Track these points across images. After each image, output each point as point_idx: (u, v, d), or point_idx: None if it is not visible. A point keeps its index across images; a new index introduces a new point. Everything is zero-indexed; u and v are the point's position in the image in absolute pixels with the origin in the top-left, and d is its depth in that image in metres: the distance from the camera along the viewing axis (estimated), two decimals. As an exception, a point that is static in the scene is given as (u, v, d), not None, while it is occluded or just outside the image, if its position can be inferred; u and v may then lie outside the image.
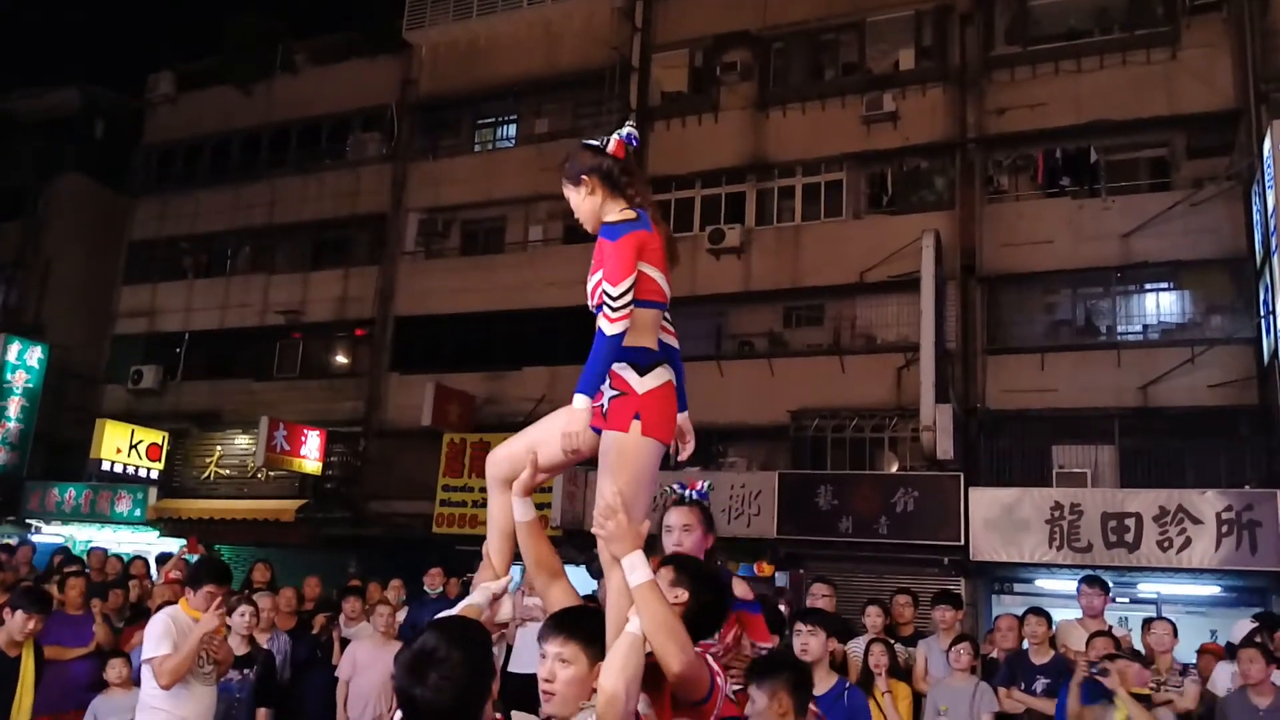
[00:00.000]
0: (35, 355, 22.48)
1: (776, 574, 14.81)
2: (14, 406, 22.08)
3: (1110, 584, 7.33)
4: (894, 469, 15.27)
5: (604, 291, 2.70)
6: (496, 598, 2.98)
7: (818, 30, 17.41)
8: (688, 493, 3.51)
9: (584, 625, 2.57)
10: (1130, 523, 12.69)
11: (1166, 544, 12.47)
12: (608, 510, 2.61)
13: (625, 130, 2.99)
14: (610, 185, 2.88)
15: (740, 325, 17.21)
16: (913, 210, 16.14)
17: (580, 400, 2.70)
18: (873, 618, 7.04)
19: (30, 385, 22.36)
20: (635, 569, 2.53)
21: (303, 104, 22.07)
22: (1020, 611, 7.25)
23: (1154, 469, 13.84)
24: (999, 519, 13.39)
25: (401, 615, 8.60)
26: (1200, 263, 14.42)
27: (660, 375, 2.78)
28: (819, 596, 7.48)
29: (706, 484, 3.58)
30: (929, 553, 13.76)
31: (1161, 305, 15.11)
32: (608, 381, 2.75)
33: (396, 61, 21.32)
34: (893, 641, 6.70)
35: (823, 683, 4.86)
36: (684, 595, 2.68)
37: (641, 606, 2.47)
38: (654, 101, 18.16)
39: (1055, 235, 14.96)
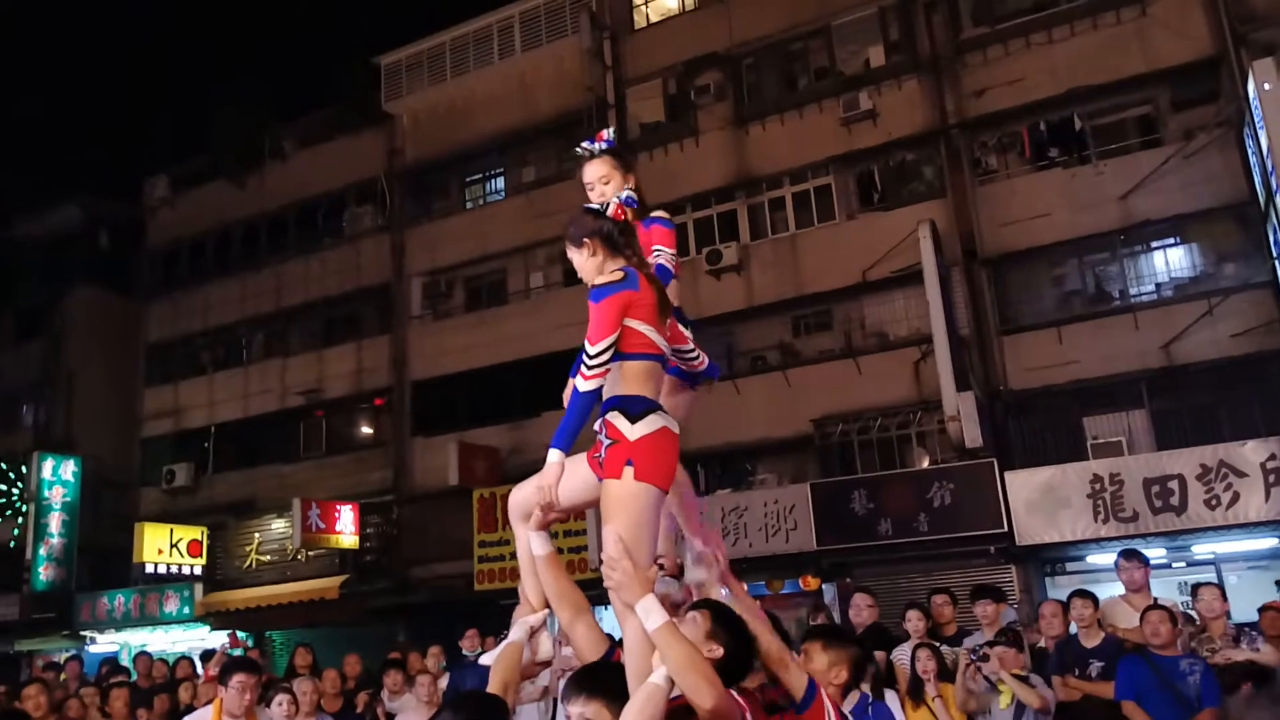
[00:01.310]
0: (69, 469, 22.67)
1: (823, 586, 14.52)
2: (55, 522, 22.23)
3: (1146, 555, 6.98)
4: (925, 464, 14.95)
5: (584, 350, 2.80)
6: (534, 631, 3.03)
7: (785, 41, 17.36)
8: (595, 145, 3.46)
9: (605, 682, 2.55)
10: (1174, 485, 12.35)
11: (1214, 502, 12.10)
12: (613, 559, 2.61)
13: (624, 194, 3.14)
14: (610, 246, 2.99)
15: (749, 341, 17.00)
16: (905, 203, 15.95)
17: (553, 454, 2.82)
18: (913, 621, 6.80)
19: (68, 499, 22.53)
20: (650, 614, 2.51)
21: (295, 188, 22.26)
22: (1067, 595, 6.89)
23: (1189, 428, 13.45)
24: (1039, 500, 13.09)
25: (444, 682, 8.40)
26: (1203, 213, 14.09)
27: (653, 422, 2.79)
28: (862, 608, 7.35)
29: (610, 130, 3.57)
30: (973, 544, 13.45)
31: (1171, 261, 14.76)
32: (603, 431, 2.81)
33: (380, 133, 21.50)
34: (938, 644, 6.42)
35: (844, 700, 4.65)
36: (719, 651, 2.59)
37: (664, 649, 2.44)
38: (633, 134, 18.14)
39: (1052, 207, 14.71)
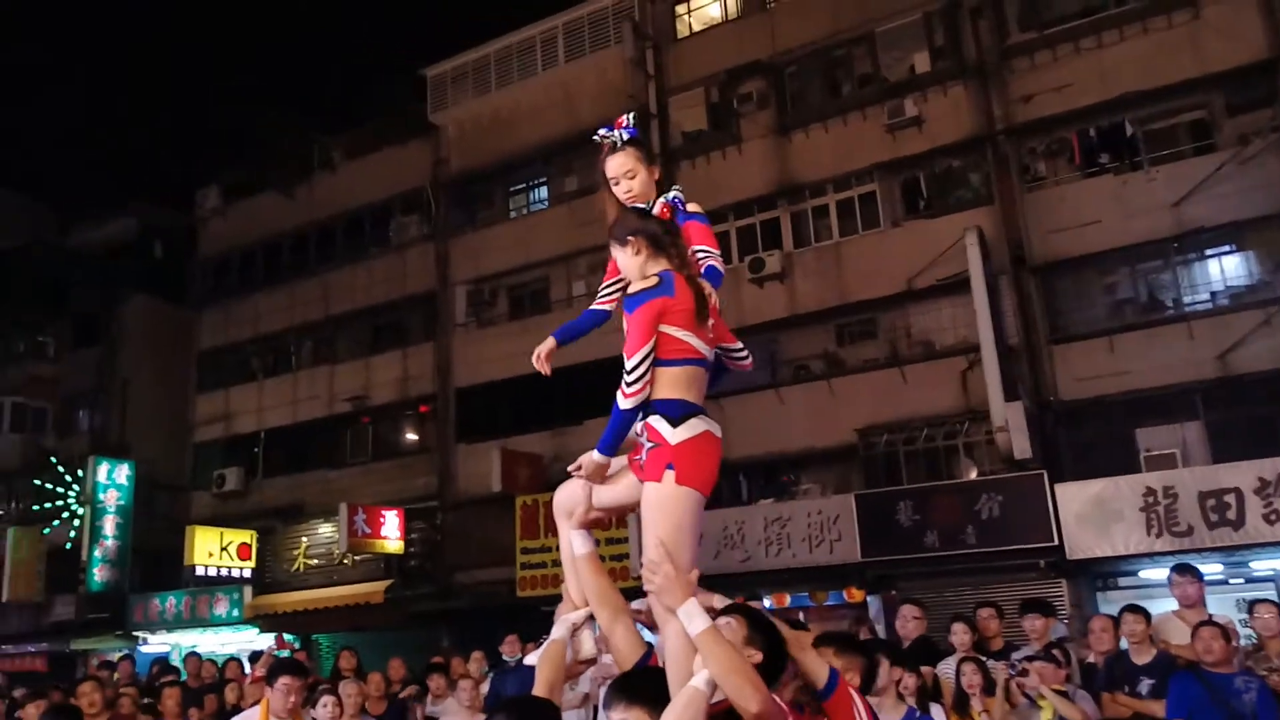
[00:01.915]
0: (123, 473, 23.19)
1: (868, 598, 14.36)
2: (110, 524, 22.75)
3: (1201, 571, 6.78)
4: (973, 475, 14.73)
5: (624, 364, 2.80)
6: (576, 628, 3.04)
7: (829, 48, 17.27)
8: (615, 133, 3.27)
9: (647, 688, 2.53)
10: (1230, 499, 12.00)
11: (1273, 517, 11.76)
12: (654, 563, 2.62)
13: (671, 194, 3.14)
14: (655, 246, 2.96)
15: (793, 350, 16.92)
16: (951, 210, 15.78)
17: (596, 455, 2.91)
18: (959, 635, 6.69)
19: (122, 503, 23.05)
20: (692, 618, 2.51)
21: (343, 198, 22.62)
22: (1118, 610, 6.71)
23: (1246, 439, 13.07)
24: (1090, 513, 12.81)
25: (485, 687, 8.45)
26: (1260, 220, 13.76)
27: (695, 426, 2.78)
28: (909, 619, 7.27)
29: (630, 116, 3.39)
30: (1022, 557, 13.19)
31: (1226, 269, 14.42)
32: (644, 434, 2.82)
33: (426, 144, 21.77)
34: (984, 659, 6.31)
35: (891, 713, 4.63)
36: (758, 657, 2.59)
37: (706, 653, 2.43)
38: (675, 143, 18.17)
39: (1102, 214, 14.45)
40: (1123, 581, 13.41)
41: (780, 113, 17.41)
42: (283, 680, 5.18)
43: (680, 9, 19.23)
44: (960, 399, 14.94)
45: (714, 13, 19.09)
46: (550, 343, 3.29)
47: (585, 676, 6.70)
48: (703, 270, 3.13)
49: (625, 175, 3.29)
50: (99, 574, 22.36)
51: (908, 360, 15.60)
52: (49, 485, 24.20)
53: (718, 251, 3.24)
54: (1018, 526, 13.11)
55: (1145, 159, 14.69)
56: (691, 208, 3.29)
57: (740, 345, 3.22)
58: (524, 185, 21.19)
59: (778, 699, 2.55)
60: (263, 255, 24.01)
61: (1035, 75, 15.36)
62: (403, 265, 21.49)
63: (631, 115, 3.43)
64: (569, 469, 3.00)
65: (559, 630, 3.06)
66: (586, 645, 3.09)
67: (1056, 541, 12.84)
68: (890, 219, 16.44)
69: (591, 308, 3.36)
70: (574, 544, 3.03)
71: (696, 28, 19.06)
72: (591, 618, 3.06)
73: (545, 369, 3.24)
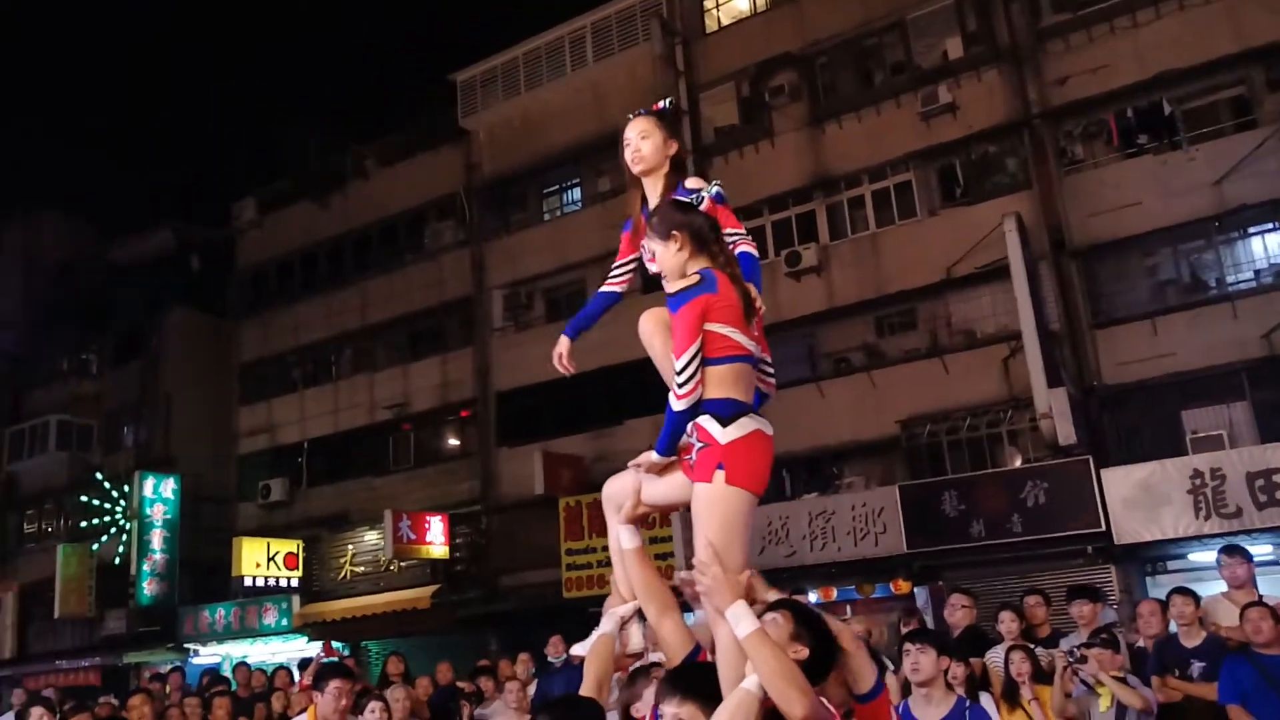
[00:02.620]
0: (169, 487, 23.77)
1: (915, 590, 14.48)
2: (157, 539, 23.32)
3: (1251, 552, 6.88)
4: (1017, 463, 14.79)
5: (673, 366, 2.81)
6: (625, 621, 3.07)
7: (860, 37, 17.38)
8: (644, 111, 3.38)
9: (701, 684, 2.56)
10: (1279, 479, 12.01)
11: (1325, 496, 11.74)
12: (703, 564, 2.63)
13: (714, 189, 3.09)
14: (698, 242, 2.94)
15: (832, 343, 17.06)
16: (989, 197, 15.83)
17: (655, 456, 2.94)
18: (1007, 623, 6.78)
19: (169, 516, 23.62)
20: (740, 620, 2.52)
21: (377, 206, 23.04)
22: (1166, 594, 6.79)
23: (1295, 418, 13.08)
24: (1138, 497, 12.85)
25: (532, 689, 8.67)
26: (1304, 196, 13.68)
27: (745, 425, 2.79)
28: (958, 608, 7.26)
29: (667, 101, 3.49)
30: (1070, 544, 13.26)
31: (1270, 247, 14.37)
32: (694, 434, 2.81)
33: (458, 149, 22.12)
34: (1032, 646, 6.41)
35: (940, 704, 4.73)
36: (805, 652, 2.58)
37: (754, 656, 2.45)
38: (708, 139, 18.34)
39: (1142, 195, 14.45)
40: (1172, 565, 13.43)
41: (812, 104, 17.54)
42: (333, 684, 5.11)
43: (709, 3, 19.39)
44: (1003, 387, 15.01)
45: (742, 6, 19.25)
46: (565, 342, 3.34)
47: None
48: (739, 257, 3.10)
49: (639, 136, 3.29)
50: (148, 588, 22.92)
51: (948, 349, 15.69)
52: (96, 501, 24.81)
53: (745, 232, 3.20)
54: (1064, 513, 13.16)
55: (1185, 138, 14.67)
56: (694, 186, 3.20)
57: (770, 361, 3.16)
58: (557, 187, 21.47)
59: (825, 701, 2.56)
60: (300, 265, 24.51)
61: (1070, 57, 15.37)
62: (439, 271, 21.87)
63: (668, 101, 3.48)
64: (629, 464, 3.03)
65: (607, 624, 3.09)
66: (635, 638, 3.11)
67: (1104, 527, 12.87)
68: (927, 208, 16.52)
69: (602, 290, 3.41)
70: (621, 538, 3.05)
71: (725, 22, 19.22)
72: (640, 612, 3.08)
73: (569, 368, 3.29)
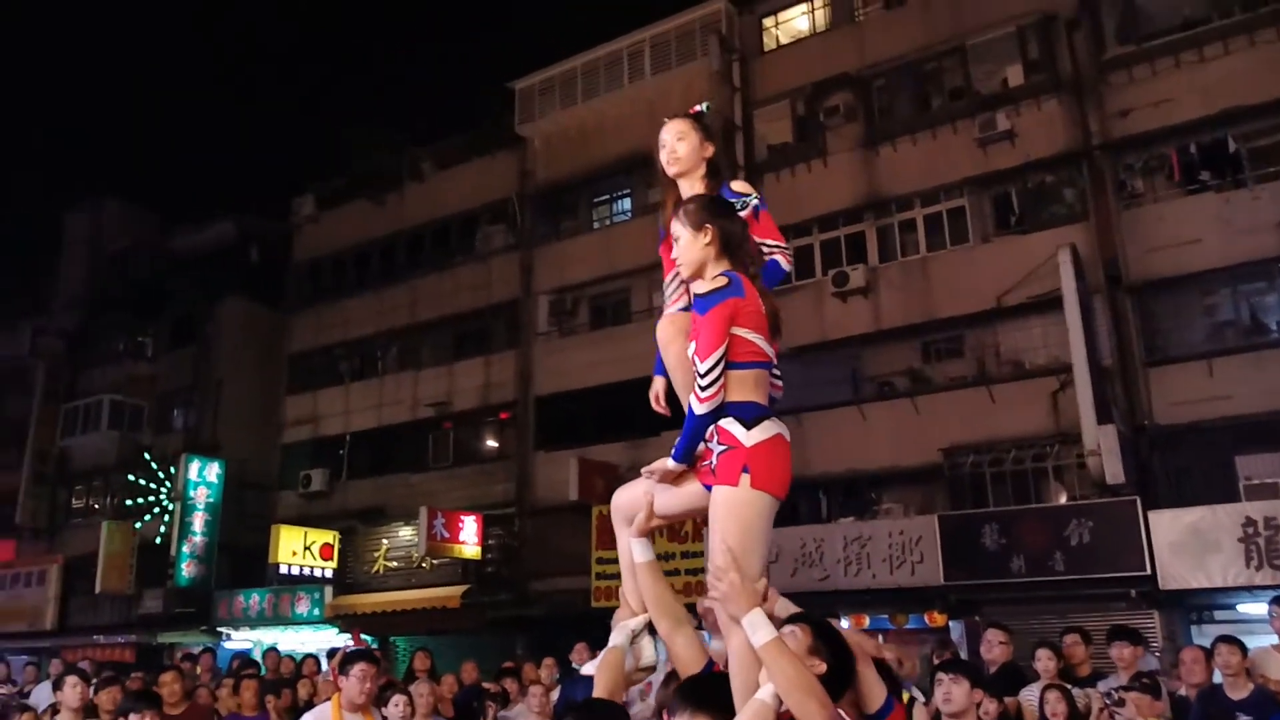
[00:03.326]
0: (214, 471, 24.04)
1: (950, 623, 14.11)
2: (199, 521, 23.59)
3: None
4: (1062, 500, 14.43)
5: (695, 369, 2.76)
6: (635, 635, 3.01)
7: (919, 61, 17.16)
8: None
9: (713, 695, 2.50)
10: (1337, 533, 11.51)
11: (1382, 552, 11.22)
12: (720, 569, 2.57)
13: (755, 200, 3.09)
14: (725, 245, 2.88)
15: (877, 366, 16.77)
16: (1044, 227, 15.50)
17: (671, 462, 2.87)
18: (1044, 661, 6.52)
19: (211, 500, 23.89)
20: (757, 628, 2.46)
21: (432, 207, 23.20)
22: (1209, 642, 6.57)
23: (1356, 471, 12.53)
24: (1186, 542, 12.46)
25: (556, 694, 8.54)
26: (1370, 240, 13.16)
27: (768, 429, 2.74)
28: (995, 644, 7.05)
29: (705, 104, 3.42)
30: (1113, 586, 12.88)
31: (1335, 292, 13.84)
32: (715, 437, 2.76)
33: (513, 155, 22.21)
34: (1069, 686, 6.13)
35: None
36: (822, 667, 2.52)
37: (771, 666, 2.39)
38: (760, 156, 18.19)
39: (1203, 233, 14.04)
40: (1219, 615, 13.01)
41: (867, 125, 17.32)
42: (358, 667, 5.09)
43: (768, 22, 19.31)
44: (1050, 421, 14.62)
45: (802, 26, 19.10)
46: (659, 382, 3.26)
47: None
48: (767, 264, 3.06)
49: (675, 137, 3.24)
50: (187, 569, 23.19)
51: (996, 379, 15.34)
52: (143, 481, 25.24)
53: (785, 245, 3.14)
54: (1108, 554, 12.83)
55: (1249, 176, 14.23)
56: (740, 189, 3.19)
57: (778, 365, 3.08)
58: (607, 197, 21.42)
59: (843, 713, 2.52)
60: (353, 262, 24.74)
61: (1133, 89, 15.02)
62: (487, 274, 21.90)
63: (706, 105, 3.41)
64: (642, 471, 2.96)
65: (617, 637, 3.02)
66: (647, 652, 3.05)
67: (1149, 570, 12.54)
68: (980, 234, 16.21)
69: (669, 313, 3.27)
70: (634, 552, 2.99)
71: (784, 41, 19.12)
72: (651, 626, 3.02)
73: (664, 409, 3.24)
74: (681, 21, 19.89)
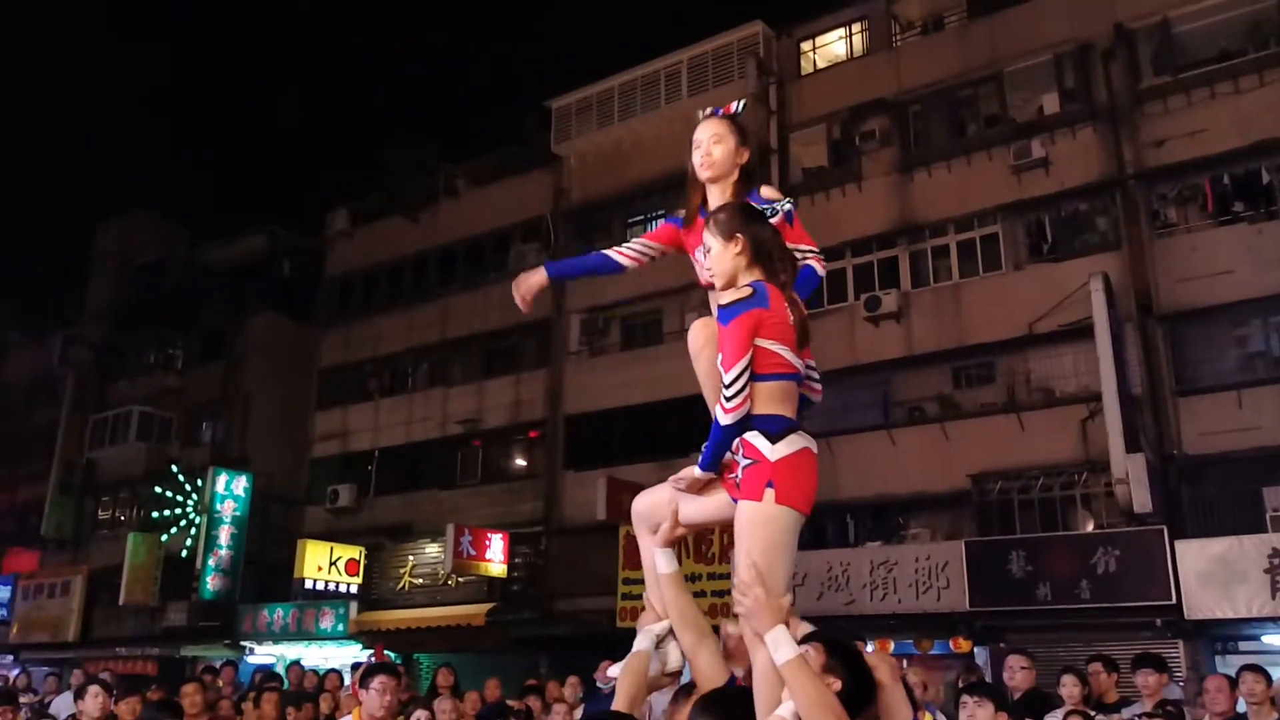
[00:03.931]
0: (241, 484, 24.95)
1: (975, 649, 14.64)
2: (225, 534, 24.47)
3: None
4: (1090, 528, 14.94)
5: (721, 379, 2.79)
6: (660, 639, 3.07)
7: (955, 88, 17.92)
8: (717, 110, 3.39)
9: (736, 709, 2.58)
10: (1364, 566, 12.00)
11: None
12: (744, 584, 2.62)
13: (787, 205, 3.15)
14: (756, 253, 2.91)
15: (908, 391, 17.42)
16: (1077, 255, 16.14)
17: (698, 473, 2.94)
18: (1069, 688, 6.63)
19: (238, 513, 24.77)
20: (780, 645, 2.52)
21: (465, 224, 24.23)
22: (1234, 671, 6.82)
23: (1385, 504, 13.02)
24: (1212, 572, 12.91)
25: (579, 713, 8.94)
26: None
27: (794, 442, 2.78)
28: (1016, 670, 7.21)
29: (739, 103, 3.44)
30: (1138, 615, 13.36)
31: (1367, 326, 14.36)
32: (740, 450, 2.80)
33: (548, 173, 23.18)
34: (1093, 714, 6.29)
35: None
36: (838, 684, 2.56)
37: (792, 684, 2.45)
38: (795, 179, 18.97)
39: (1235, 264, 14.62)
40: (1244, 646, 13.45)
41: (903, 151, 18.09)
42: (378, 679, 5.18)
43: (805, 46, 20.16)
44: (1079, 449, 15.18)
45: (839, 50, 19.96)
46: (540, 275, 3.39)
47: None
48: (801, 270, 3.11)
49: (711, 140, 3.26)
50: (211, 583, 24.01)
51: (1026, 406, 15.94)
52: (170, 493, 26.03)
53: (817, 249, 3.21)
54: (1134, 583, 13.27)
55: (1283, 208, 14.80)
56: (770, 196, 3.24)
57: (815, 364, 3.14)
58: (641, 217, 22.21)
59: None
60: (385, 278, 25.79)
61: (1168, 120, 15.67)
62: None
63: (741, 103, 3.41)
64: (669, 481, 3.01)
65: (642, 641, 3.06)
66: (673, 656, 3.07)
67: (1175, 600, 12.96)
68: (1012, 261, 16.86)
69: (607, 251, 3.43)
70: (657, 563, 3.06)
71: (821, 65, 19.97)
72: (674, 631, 3.08)
73: (528, 307, 3.43)
74: (719, 43, 20.77)
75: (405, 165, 25.92)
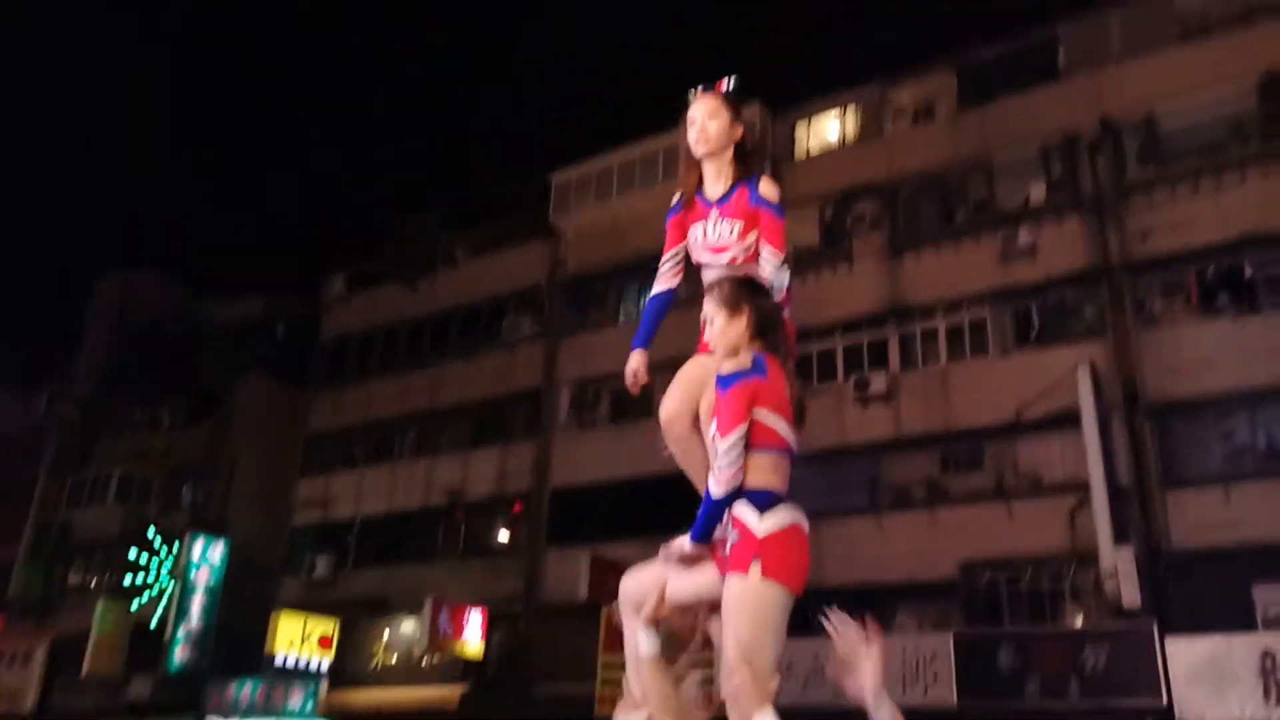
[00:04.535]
0: (218, 551, 24.60)
1: (961, 747, 14.40)
2: (197, 603, 24.08)
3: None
4: (1079, 622, 14.90)
5: (715, 448, 2.82)
6: None
7: (944, 174, 18.52)
8: (709, 88, 3.39)
9: None
10: (1358, 669, 11.90)
11: (1406, 689, 11.60)
12: (730, 665, 2.58)
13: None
14: (759, 327, 2.96)
15: (895, 474, 17.53)
16: (1064, 342, 16.48)
17: (688, 546, 2.93)
18: None
19: (212, 583, 24.41)
20: None
21: (462, 293, 24.73)
22: None
23: (1381, 605, 12.98)
24: (1203, 671, 12.81)
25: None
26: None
27: (783, 516, 2.77)
28: None
29: (732, 79, 3.42)
30: (1129, 717, 13.17)
31: (1354, 423, 14.48)
32: (729, 523, 2.81)
33: (545, 245, 23.77)
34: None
35: None
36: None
37: None
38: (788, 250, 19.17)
39: (1220, 357, 14.93)
40: (1235, 750, 13.21)
41: (893, 234, 18.58)
42: None
43: (799, 130, 20.82)
44: (1067, 539, 15.25)
45: (832, 134, 20.55)
46: (637, 356, 3.37)
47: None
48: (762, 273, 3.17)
49: (706, 115, 3.30)
50: (180, 654, 23.56)
51: (1014, 494, 16.08)
52: (144, 558, 25.70)
53: (783, 255, 3.20)
54: (1125, 682, 13.17)
55: (1265, 303, 15.18)
56: (766, 192, 3.24)
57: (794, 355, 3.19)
58: (636, 290, 22.49)
59: None
60: (379, 344, 26.19)
61: (1153, 212, 16.15)
62: (511, 362, 23.08)
63: (734, 78, 3.39)
64: (660, 551, 2.98)
65: None
66: None
67: (1165, 701, 12.84)
68: (1000, 347, 17.15)
69: (655, 293, 3.49)
70: (640, 642, 2.98)
71: (814, 148, 20.62)
72: None
73: (644, 380, 3.38)
74: (718, 125, 21.19)
75: (406, 233, 26.49)
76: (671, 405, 3.17)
